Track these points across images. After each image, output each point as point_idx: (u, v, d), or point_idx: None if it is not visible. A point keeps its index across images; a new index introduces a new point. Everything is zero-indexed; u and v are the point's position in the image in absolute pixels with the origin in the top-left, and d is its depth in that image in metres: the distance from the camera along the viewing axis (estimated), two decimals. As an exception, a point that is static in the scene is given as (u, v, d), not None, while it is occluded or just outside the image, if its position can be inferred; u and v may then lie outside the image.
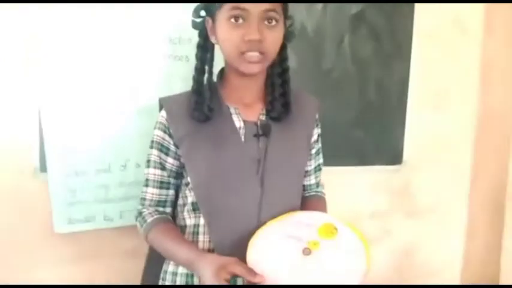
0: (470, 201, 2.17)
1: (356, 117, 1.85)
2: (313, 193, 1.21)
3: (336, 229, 0.94)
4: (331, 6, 1.74)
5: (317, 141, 1.17)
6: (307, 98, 1.15)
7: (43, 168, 1.41)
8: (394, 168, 1.96)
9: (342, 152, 1.84)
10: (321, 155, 1.20)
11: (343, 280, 0.87)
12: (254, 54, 0.93)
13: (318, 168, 1.20)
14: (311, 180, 1.19)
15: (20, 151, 1.43)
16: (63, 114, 1.39)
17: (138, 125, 1.45)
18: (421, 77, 1.95)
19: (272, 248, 0.93)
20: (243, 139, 1.01)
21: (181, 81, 1.46)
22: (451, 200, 2.16)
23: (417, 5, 1.88)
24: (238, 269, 0.87)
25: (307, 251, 0.89)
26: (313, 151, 1.17)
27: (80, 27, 1.37)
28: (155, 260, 1.12)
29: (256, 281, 0.85)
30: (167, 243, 1.00)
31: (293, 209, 1.07)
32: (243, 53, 0.93)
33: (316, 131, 1.16)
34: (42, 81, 1.37)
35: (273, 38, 0.95)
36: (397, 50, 1.89)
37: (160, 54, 1.46)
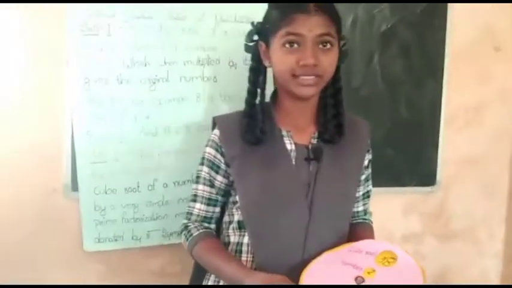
0: (507, 223, 2.08)
1: (387, 137, 1.80)
2: (361, 220, 1.19)
3: (395, 257, 0.91)
4: (361, 22, 1.72)
5: (367, 167, 1.16)
6: (360, 122, 1.13)
7: (74, 187, 1.43)
8: (427, 189, 1.90)
9: (373, 172, 1.79)
10: (370, 182, 1.19)
11: None
12: (309, 78, 0.93)
13: (366, 195, 1.19)
14: (359, 207, 1.18)
15: (52, 169, 1.46)
16: (95, 132, 1.41)
17: (165, 144, 1.46)
18: (454, 95, 1.89)
19: (326, 273, 0.91)
20: (293, 162, 1.00)
21: (208, 101, 1.47)
22: (487, 222, 2.07)
23: (449, 20, 1.83)
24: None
25: (359, 279, 0.87)
26: (363, 177, 1.15)
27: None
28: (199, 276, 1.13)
29: None
30: (214, 258, 1.00)
31: (341, 236, 1.05)
32: (297, 76, 0.93)
33: (368, 157, 1.14)
34: (75, 96, 1.39)
35: (328, 62, 0.94)
36: (428, 68, 1.84)
37: (188, 74, 1.46)
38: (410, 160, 1.85)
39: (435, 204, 1.96)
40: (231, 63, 1.46)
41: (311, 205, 0.98)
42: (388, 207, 1.88)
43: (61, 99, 1.42)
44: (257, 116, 1.00)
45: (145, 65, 1.41)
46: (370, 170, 1.17)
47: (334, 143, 1.03)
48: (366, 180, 1.17)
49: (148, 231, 1.49)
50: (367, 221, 1.20)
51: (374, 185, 1.77)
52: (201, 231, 1.04)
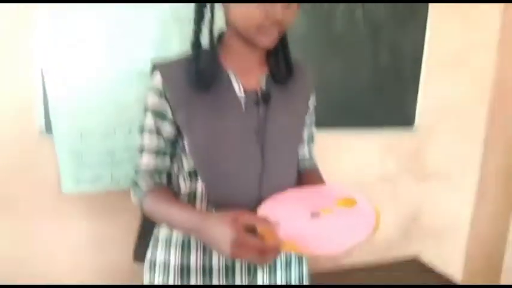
0: (482, 166, 2.14)
1: (368, 81, 1.79)
2: (308, 164, 1.17)
3: (355, 202, 0.92)
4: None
5: (312, 111, 1.14)
6: (303, 66, 1.11)
7: (48, 129, 1.40)
8: (405, 132, 1.92)
9: (353, 115, 1.80)
10: (313, 126, 1.17)
11: (341, 238, 0.84)
12: (274, 32, 0.91)
13: (311, 139, 1.17)
14: (305, 150, 1.16)
15: (24, 111, 1.41)
16: (66, 76, 1.36)
17: (140, 89, 1.42)
18: (437, 41, 1.87)
19: (283, 205, 0.93)
20: (243, 107, 0.98)
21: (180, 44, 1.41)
22: (462, 165, 2.13)
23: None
24: (250, 219, 0.81)
25: (315, 215, 0.88)
26: (308, 121, 1.13)
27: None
28: (148, 231, 1.12)
29: (271, 228, 0.80)
30: (165, 208, 0.95)
31: (292, 178, 1.07)
32: (260, 28, 0.90)
33: (312, 100, 1.13)
34: (45, 43, 1.34)
35: (292, 16, 0.93)
36: (412, 13, 1.80)
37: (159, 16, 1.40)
38: (391, 104, 1.85)
39: (412, 147, 1.99)
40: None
41: (263, 150, 0.98)
42: (366, 149, 1.91)
43: (32, 39, 1.35)
44: (205, 59, 0.96)
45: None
46: (314, 115, 1.15)
47: (284, 84, 1.02)
48: (311, 124, 1.15)
49: (127, 173, 1.48)
50: (313, 165, 1.19)
51: (353, 128, 1.81)
52: (151, 185, 0.99)
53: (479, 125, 2.10)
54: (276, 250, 0.80)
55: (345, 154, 1.86)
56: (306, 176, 1.12)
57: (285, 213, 0.91)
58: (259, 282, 1.02)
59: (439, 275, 1.50)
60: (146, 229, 1.15)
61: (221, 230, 0.80)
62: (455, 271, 2.21)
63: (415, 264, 1.60)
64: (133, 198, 1.01)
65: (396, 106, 1.87)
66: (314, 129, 1.17)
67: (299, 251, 0.83)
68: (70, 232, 1.56)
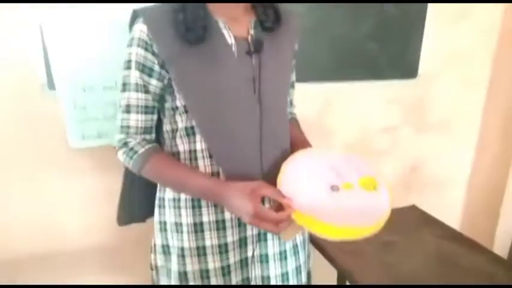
0: (483, 116, 2.15)
1: (372, 30, 1.77)
2: (290, 111, 1.20)
3: (375, 187, 0.93)
4: None
5: (294, 57, 1.13)
6: (289, 12, 1.09)
7: (51, 85, 1.41)
8: (408, 82, 1.91)
9: (357, 65, 1.79)
10: (294, 72, 1.17)
11: (352, 216, 0.88)
12: None
13: (292, 85, 1.18)
14: (288, 97, 1.17)
15: (25, 68, 1.42)
16: (65, 30, 1.35)
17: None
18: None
19: (308, 168, 0.95)
20: (236, 55, 0.96)
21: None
22: (463, 116, 2.13)
23: None
24: (267, 192, 0.90)
25: (335, 188, 0.90)
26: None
27: None
28: (132, 187, 1.16)
29: (285, 202, 0.88)
30: (174, 174, 0.97)
31: (286, 124, 1.09)
32: None
33: (296, 47, 1.12)
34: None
35: None
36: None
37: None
38: (394, 53, 1.84)
39: (415, 97, 1.99)
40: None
41: (260, 99, 0.98)
42: (369, 100, 1.91)
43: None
44: (192, 8, 0.91)
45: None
46: (294, 61, 1.14)
47: (274, 30, 1.01)
48: (292, 70, 1.15)
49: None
50: (293, 115, 1.22)
51: (357, 79, 1.81)
52: (146, 147, 0.98)
53: (483, 74, 2.09)
54: (288, 221, 0.88)
55: (348, 106, 1.87)
56: (290, 125, 1.13)
57: (306, 178, 0.93)
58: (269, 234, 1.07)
59: (437, 222, 1.55)
60: (129, 192, 1.19)
61: (241, 202, 0.88)
62: (453, 222, 2.27)
63: (413, 212, 1.65)
64: (127, 163, 0.99)
65: (400, 57, 1.85)
66: (294, 75, 1.17)
67: (307, 225, 0.88)
68: (79, 186, 1.60)
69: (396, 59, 1.85)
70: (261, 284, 1.08)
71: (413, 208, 1.69)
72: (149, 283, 1.69)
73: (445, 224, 1.54)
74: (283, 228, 0.89)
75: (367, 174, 0.95)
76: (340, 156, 1.00)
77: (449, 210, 2.28)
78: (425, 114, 2.05)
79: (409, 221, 1.55)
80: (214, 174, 0.99)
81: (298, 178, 0.92)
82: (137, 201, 1.18)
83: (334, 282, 1.45)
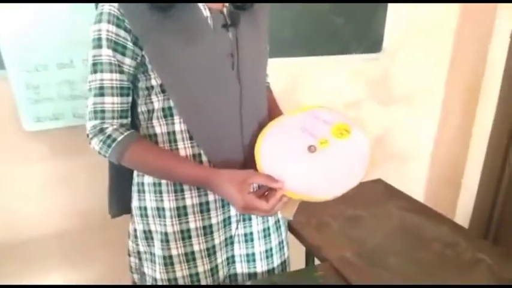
0: (446, 89, 2.19)
1: (337, 5, 1.75)
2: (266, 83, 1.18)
3: (349, 130, 0.94)
4: None
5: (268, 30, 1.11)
6: None
7: (0, 64, 1.32)
8: (373, 56, 1.91)
9: (322, 40, 1.77)
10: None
11: (341, 182, 0.89)
12: None
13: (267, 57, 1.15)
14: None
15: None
16: (14, 6, 1.26)
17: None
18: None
19: (282, 137, 0.95)
20: (212, 28, 0.92)
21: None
22: (427, 89, 2.17)
23: None
24: (258, 179, 0.88)
25: (312, 149, 0.91)
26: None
27: None
28: (119, 175, 1.11)
29: (276, 186, 0.86)
30: (159, 162, 0.92)
31: (265, 99, 1.06)
32: None
33: (268, 19, 1.10)
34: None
35: None
36: None
37: None
38: (359, 28, 1.83)
39: (380, 71, 2.00)
40: None
41: (239, 75, 0.95)
42: (334, 75, 1.91)
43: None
44: None
45: None
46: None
47: (246, 9, 0.96)
48: (267, 43, 1.12)
49: (90, 108, 1.44)
50: (267, 85, 1.20)
51: (322, 54, 1.79)
52: (125, 134, 0.91)
53: (445, 48, 2.11)
54: (279, 204, 0.88)
55: (313, 81, 1.85)
56: (267, 97, 1.11)
57: (283, 151, 0.93)
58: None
59: (402, 195, 1.58)
60: (117, 182, 1.13)
61: (231, 193, 0.87)
62: (416, 194, 2.33)
63: (378, 186, 1.67)
64: (103, 151, 0.92)
65: (365, 31, 1.85)
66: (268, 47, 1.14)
67: (303, 199, 0.89)
68: (37, 172, 1.53)
69: (361, 33, 1.84)
70: (246, 262, 1.09)
71: (379, 182, 1.71)
72: (116, 268, 1.67)
73: (409, 197, 1.56)
74: (277, 210, 0.88)
75: (337, 122, 0.95)
76: (306, 115, 0.99)
77: (413, 182, 2.33)
78: (390, 88, 2.06)
79: (374, 195, 1.57)
80: (196, 156, 0.96)
81: (275, 156, 0.92)
82: (126, 190, 1.10)
83: (303, 259, 1.46)
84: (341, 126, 0.95)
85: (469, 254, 1.19)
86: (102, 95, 0.90)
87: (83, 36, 1.32)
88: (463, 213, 2.16)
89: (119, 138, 0.90)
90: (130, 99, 0.95)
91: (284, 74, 1.77)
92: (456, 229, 1.33)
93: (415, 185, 2.35)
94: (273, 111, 1.11)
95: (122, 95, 0.92)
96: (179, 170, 0.92)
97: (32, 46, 1.31)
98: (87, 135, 0.94)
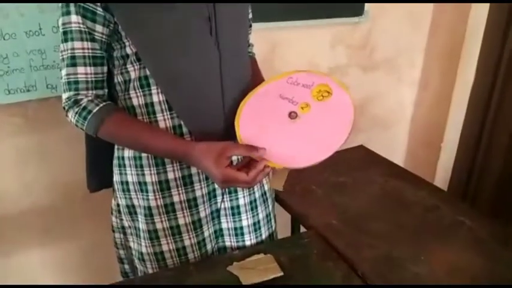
0: (426, 53, 2.18)
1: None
2: (250, 50, 1.15)
3: (329, 91, 0.92)
4: None
5: None
6: None
7: (-37, 33, 1.25)
8: (355, 19, 1.88)
9: (302, 4, 1.71)
10: (250, 9, 1.09)
11: (326, 144, 0.87)
12: None
13: (249, 24, 1.10)
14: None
15: None
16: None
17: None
18: None
19: (262, 107, 0.92)
20: None
21: None
22: (408, 52, 2.15)
23: None
24: (236, 151, 0.86)
25: (293, 115, 0.89)
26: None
27: None
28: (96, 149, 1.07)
29: (257, 155, 0.84)
30: (135, 134, 0.89)
31: (247, 66, 1.03)
32: None
33: None
34: None
35: None
36: None
37: None
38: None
39: (361, 36, 1.97)
40: None
41: (218, 40, 0.91)
42: (316, 40, 1.87)
43: None
44: None
45: None
46: None
47: None
48: (248, 6, 1.07)
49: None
50: (251, 54, 1.16)
51: (301, 19, 1.75)
52: (101, 105, 0.87)
53: (425, 12, 2.09)
54: (261, 175, 0.85)
55: (294, 46, 1.82)
56: (252, 68, 1.08)
57: (263, 121, 0.90)
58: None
59: (384, 160, 1.59)
60: (94, 156, 1.10)
61: (209, 167, 0.83)
62: (397, 159, 2.36)
63: (361, 152, 1.68)
64: (79, 123, 0.88)
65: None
66: (251, 14, 1.10)
67: (285, 167, 0.87)
68: (13, 145, 1.47)
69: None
70: (234, 236, 1.09)
71: (361, 148, 1.72)
72: (100, 242, 1.65)
73: (390, 162, 1.58)
74: (258, 181, 0.86)
75: (316, 84, 0.93)
76: (283, 81, 0.97)
77: (394, 147, 2.36)
78: (371, 53, 2.04)
79: (356, 161, 1.58)
80: (176, 128, 0.93)
81: (255, 127, 0.90)
82: (105, 164, 1.07)
83: (288, 227, 1.47)
84: (321, 87, 0.93)
85: (450, 217, 1.22)
86: (74, 65, 0.86)
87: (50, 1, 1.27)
88: (442, 176, 2.21)
89: (94, 110, 0.87)
90: (105, 69, 0.91)
91: (263, 40, 1.72)
92: (436, 193, 1.36)
93: (395, 149, 2.37)
94: (257, 83, 1.07)
95: (95, 64, 0.87)
96: (156, 145, 0.89)
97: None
98: (64, 108, 0.90)
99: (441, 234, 1.15)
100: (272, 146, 0.87)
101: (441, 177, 2.19)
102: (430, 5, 2.07)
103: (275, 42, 1.76)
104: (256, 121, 0.91)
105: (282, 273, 0.97)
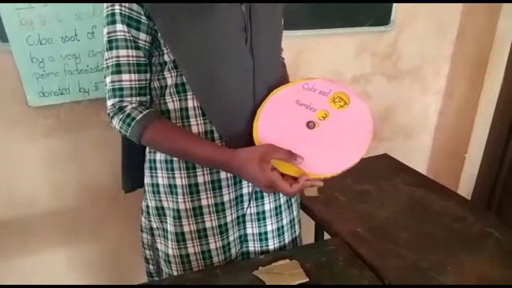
0: (452, 61, 2.16)
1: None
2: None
3: (347, 99, 0.92)
4: None
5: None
6: None
7: (3, 37, 1.29)
8: (381, 28, 1.88)
9: (329, 13, 1.72)
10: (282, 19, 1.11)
11: (346, 154, 0.88)
12: None
13: (281, 31, 1.12)
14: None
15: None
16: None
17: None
18: None
19: (279, 115, 0.93)
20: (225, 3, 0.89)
21: None
22: (434, 61, 2.14)
23: None
24: (278, 155, 0.86)
25: (311, 125, 0.90)
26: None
27: None
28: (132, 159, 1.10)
29: (297, 162, 0.86)
30: (177, 143, 0.91)
31: (279, 74, 1.05)
32: None
33: None
34: None
35: None
36: None
37: None
38: (367, 2, 1.78)
39: (387, 45, 1.97)
40: None
41: (252, 50, 0.93)
42: (341, 48, 1.88)
43: None
44: None
45: None
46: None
47: None
48: (282, 16, 1.09)
49: (96, 83, 1.42)
50: (282, 60, 1.17)
51: (330, 26, 1.76)
52: (144, 112, 0.90)
53: (453, 21, 2.07)
54: (301, 186, 0.86)
55: (320, 54, 1.83)
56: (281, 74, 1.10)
57: (281, 124, 0.91)
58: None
59: (408, 169, 1.58)
60: (130, 157, 1.12)
61: (254, 174, 0.85)
62: (420, 167, 2.33)
63: (385, 161, 1.67)
64: (124, 130, 0.91)
65: (373, 3, 1.80)
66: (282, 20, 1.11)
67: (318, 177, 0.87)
68: (44, 148, 1.52)
69: (369, 5, 1.80)
70: (258, 241, 1.09)
71: (385, 156, 1.71)
72: (125, 243, 1.69)
73: (415, 171, 1.57)
74: (297, 189, 0.86)
75: (334, 91, 0.94)
76: (299, 87, 0.97)
77: (418, 156, 2.34)
78: (396, 61, 2.04)
79: (380, 170, 1.58)
80: (208, 133, 0.95)
81: (274, 138, 0.90)
82: (139, 166, 1.09)
83: (312, 234, 1.47)
84: (338, 95, 0.93)
85: (477, 228, 1.20)
86: (119, 72, 0.89)
87: (86, 8, 1.31)
88: (465, 186, 2.17)
89: (138, 117, 0.89)
90: (148, 75, 0.94)
91: (291, 47, 1.73)
92: (463, 203, 1.34)
93: (418, 158, 2.35)
94: None
95: (139, 71, 0.90)
96: (197, 153, 0.91)
97: (35, 18, 1.27)
98: (108, 114, 0.93)
99: (468, 245, 1.13)
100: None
101: (464, 188, 2.16)
102: (457, 14, 2.05)
103: (301, 50, 1.78)
104: (274, 131, 0.91)
105: (307, 279, 0.98)
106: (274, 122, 0.92)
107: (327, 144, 0.89)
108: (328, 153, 0.89)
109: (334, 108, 0.92)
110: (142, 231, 1.14)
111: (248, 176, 0.87)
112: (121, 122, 0.90)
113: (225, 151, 0.91)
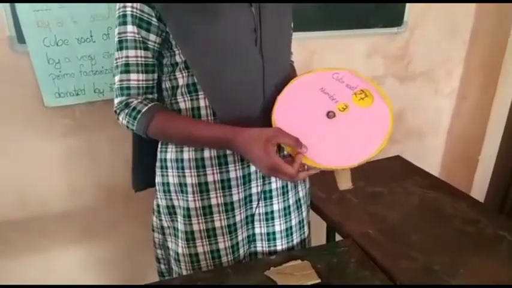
0: (465, 64, 2.14)
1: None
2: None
3: (371, 98, 0.92)
4: None
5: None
6: None
7: (21, 39, 1.32)
8: (393, 30, 1.87)
9: (342, 14, 1.73)
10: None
11: (357, 149, 0.87)
12: None
13: (291, 33, 1.12)
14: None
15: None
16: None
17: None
18: None
19: (300, 99, 0.93)
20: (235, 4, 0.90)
21: None
22: (446, 63, 2.12)
23: None
24: (285, 140, 0.86)
25: (331, 115, 0.89)
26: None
27: None
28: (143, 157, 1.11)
29: (302, 151, 0.86)
30: (181, 125, 0.92)
31: (288, 75, 1.05)
32: None
33: None
34: None
35: None
36: None
37: None
38: (380, 3, 1.78)
39: (399, 47, 1.96)
40: None
41: (262, 51, 0.94)
42: (353, 50, 1.88)
43: None
44: None
45: None
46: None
47: None
48: (292, 18, 1.09)
49: (111, 84, 1.44)
50: (291, 62, 1.17)
51: (342, 28, 1.76)
52: (149, 105, 0.91)
53: (466, 23, 2.06)
54: (305, 173, 0.86)
55: (332, 55, 1.83)
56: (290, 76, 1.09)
57: (300, 109, 0.91)
58: (273, 187, 1.07)
59: (421, 171, 1.57)
60: (140, 157, 1.14)
61: (256, 154, 0.85)
62: (433, 169, 2.31)
63: (397, 163, 1.67)
64: (130, 124, 0.93)
65: (385, 4, 1.80)
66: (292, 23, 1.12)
67: (320, 168, 0.87)
68: (59, 148, 1.54)
69: (381, 6, 1.80)
70: (266, 241, 1.10)
71: (398, 158, 1.70)
72: (137, 242, 1.70)
73: (427, 173, 1.56)
74: (301, 178, 0.87)
75: (360, 88, 0.93)
76: (327, 75, 0.97)
77: (430, 158, 2.32)
78: (408, 63, 2.03)
79: (393, 171, 1.57)
80: None
81: (292, 123, 0.89)
82: (150, 165, 1.11)
83: (323, 235, 1.48)
84: (364, 92, 0.93)
85: (490, 231, 1.19)
86: (127, 71, 0.91)
87: (102, 10, 1.33)
88: (478, 189, 2.15)
89: (143, 110, 0.91)
90: (156, 76, 0.96)
91: (303, 48, 1.75)
92: (476, 206, 1.33)
93: (431, 160, 2.33)
94: None
95: (147, 71, 0.92)
96: (201, 132, 0.92)
97: (52, 21, 1.30)
98: (115, 112, 0.95)
99: (481, 247, 1.12)
100: (307, 144, 0.87)
101: (477, 191, 2.14)
102: (470, 16, 2.04)
103: (314, 51, 1.78)
104: (293, 116, 0.91)
105: (319, 280, 0.98)
106: (295, 104, 0.93)
107: (339, 137, 0.89)
108: (338, 146, 0.88)
109: (355, 103, 0.91)
110: (153, 230, 1.16)
111: (251, 155, 0.87)
112: (127, 117, 0.92)
113: (232, 128, 0.91)
